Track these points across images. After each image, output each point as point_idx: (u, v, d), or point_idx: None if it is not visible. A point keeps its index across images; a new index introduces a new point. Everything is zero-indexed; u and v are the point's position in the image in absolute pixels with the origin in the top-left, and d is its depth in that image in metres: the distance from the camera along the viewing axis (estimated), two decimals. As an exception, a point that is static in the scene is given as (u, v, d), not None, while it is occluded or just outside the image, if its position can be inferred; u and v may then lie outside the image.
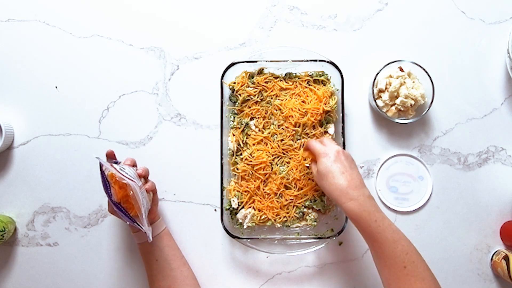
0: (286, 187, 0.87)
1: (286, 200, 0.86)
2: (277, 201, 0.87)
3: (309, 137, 0.87)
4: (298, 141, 0.88)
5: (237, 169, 0.87)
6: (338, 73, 0.87)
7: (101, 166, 0.73)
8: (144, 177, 0.81)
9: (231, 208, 0.87)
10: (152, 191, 0.81)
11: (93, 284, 0.90)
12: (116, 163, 0.79)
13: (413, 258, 0.69)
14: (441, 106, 0.91)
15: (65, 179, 0.91)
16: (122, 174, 0.73)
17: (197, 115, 0.92)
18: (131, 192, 0.72)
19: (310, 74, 0.89)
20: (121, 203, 0.74)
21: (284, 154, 0.88)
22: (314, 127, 0.88)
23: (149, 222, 0.78)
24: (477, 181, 0.91)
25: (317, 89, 0.88)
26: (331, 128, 0.88)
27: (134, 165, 0.82)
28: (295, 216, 0.87)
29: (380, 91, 0.87)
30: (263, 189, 0.87)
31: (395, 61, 0.87)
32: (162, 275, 0.81)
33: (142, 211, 0.74)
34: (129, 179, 0.73)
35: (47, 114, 0.92)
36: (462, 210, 0.90)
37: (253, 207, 0.86)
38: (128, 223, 0.75)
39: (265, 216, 0.86)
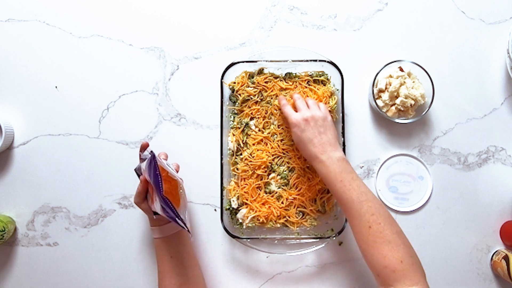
0: (286, 187, 0.87)
1: (286, 200, 0.86)
2: (277, 201, 0.87)
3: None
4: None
5: (237, 169, 0.87)
6: (338, 73, 0.87)
7: (155, 159, 0.72)
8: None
9: (231, 208, 0.87)
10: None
11: (93, 284, 0.90)
12: (144, 156, 0.79)
13: (380, 219, 0.70)
14: (441, 106, 0.91)
15: (65, 179, 0.91)
16: (173, 172, 0.73)
17: (197, 115, 0.92)
18: (181, 190, 0.73)
19: (310, 74, 0.89)
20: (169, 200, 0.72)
21: (284, 154, 0.88)
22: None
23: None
24: (477, 181, 0.91)
25: (317, 89, 0.88)
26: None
27: (165, 159, 0.83)
28: (295, 216, 0.87)
29: (380, 91, 0.87)
30: (263, 189, 0.87)
31: (395, 61, 0.87)
32: (174, 272, 0.80)
33: (185, 207, 0.73)
34: (179, 177, 0.74)
35: (47, 114, 0.92)
36: (462, 210, 0.90)
37: (253, 208, 0.86)
38: (167, 218, 0.73)
39: (265, 216, 0.86)
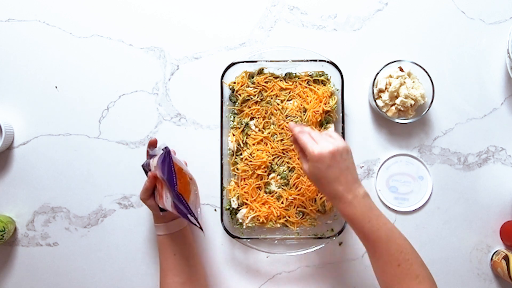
0: (286, 187, 0.87)
1: (286, 200, 0.86)
2: (277, 201, 0.87)
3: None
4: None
5: (237, 169, 0.87)
6: (338, 73, 0.87)
7: (170, 155, 0.71)
8: None
9: (231, 208, 0.87)
10: None
11: (93, 284, 0.90)
12: (154, 152, 0.79)
13: (408, 256, 0.68)
14: (441, 106, 0.91)
15: (65, 179, 0.91)
16: (186, 168, 0.72)
17: (197, 115, 0.92)
18: (194, 187, 0.72)
19: (310, 74, 0.89)
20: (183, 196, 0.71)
21: (284, 154, 0.88)
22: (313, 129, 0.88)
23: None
24: (477, 181, 0.91)
25: (317, 89, 0.88)
26: (331, 128, 0.88)
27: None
28: (295, 216, 0.87)
29: (380, 91, 0.87)
30: (263, 189, 0.87)
31: (395, 61, 0.87)
32: (177, 270, 0.80)
33: (198, 204, 0.73)
34: (191, 174, 0.73)
35: (47, 114, 0.92)
36: (462, 210, 0.90)
37: (253, 208, 0.86)
38: (179, 214, 0.72)
39: (265, 216, 0.86)
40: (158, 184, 0.77)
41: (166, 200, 0.74)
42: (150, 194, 0.79)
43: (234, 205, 0.87)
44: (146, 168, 0.81)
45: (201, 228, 0.73)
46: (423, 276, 0.67)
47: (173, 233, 0.80)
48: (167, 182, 0.71)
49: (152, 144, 0.81)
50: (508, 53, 0.86)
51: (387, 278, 0.68)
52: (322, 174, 0.68)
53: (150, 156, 0.80)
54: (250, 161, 0.87)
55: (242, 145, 0.88)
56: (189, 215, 0.71)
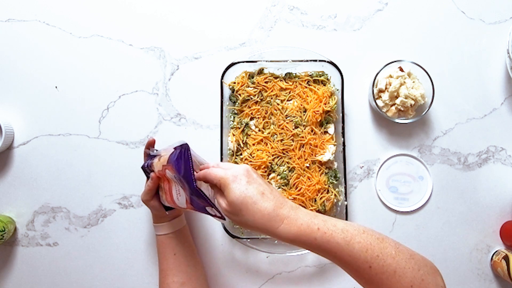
0: (286, 187, 0.87)
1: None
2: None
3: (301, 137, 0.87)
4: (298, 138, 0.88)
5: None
6: (338, 73, 0.87)
7: (189, 151, 0.69)
8: None
9: (231, 208, 0.87)
10: None
11: (93, 284, 0.90)
12: (155, 153, 0.79)
13: (375, 251, 0.57)
14: (441, 106, 0.91)
15: (65, 179, 0.91)
16: (201, 160, 0.72)
17: (197, 115, 0.92)
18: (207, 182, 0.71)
19: (310, 74, 0.89)
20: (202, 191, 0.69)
21: (284, 154, 0.88)
22: (313, 130, 0.88)
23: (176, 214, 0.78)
24: (477, 181, 0.91)
25: (317, 89, 0.88)
26: (331, 128, 0.88)
27: None
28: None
29: (380, 91, 0.87)
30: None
31: (395, 61, 0.87)
32: (177, 270, 0.80)
33: (211, 193, 0.70)
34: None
35: (47, 114, 0.92)
36: (462, 210, 0.90)
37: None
38: (196, 210, 0.71)
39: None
40: (163, 183, 0.77)
41: (179, 198, 0.73)
42: (153, 195, 0.79)
43: (234, 205, 0.87)
44: (147, 169, 0.81)
45: (223, 217, 0.68)
46: (402, 268, 0.57)
47: (173, 232, 0.80)
48: (183, 179, 0.68)
49: (151, 145, 0.81)
50: (508, 53, 0.86)
51: (366, 285, 0.58)
52: (244, 194, 0.59)
53: (150, 156, 0.80)
54: (250, 161, 0.87)
55: (242, 145, 0.88)
56: (208, 208, 0.68)
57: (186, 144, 0.70)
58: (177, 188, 0.73)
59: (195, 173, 0.67)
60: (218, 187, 0.63)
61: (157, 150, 0.80)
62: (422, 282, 0.57)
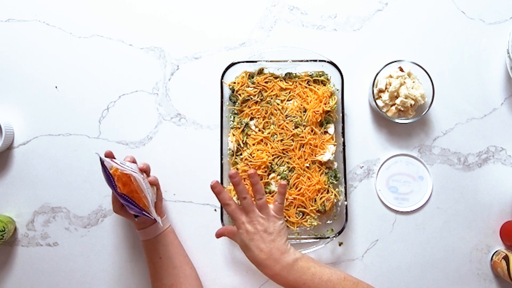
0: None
1: (286, 200, 0.86)
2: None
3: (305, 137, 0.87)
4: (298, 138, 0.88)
5: (237, 169, 0.87)
6: (338, 73, 0.87)
7: (102, 161, 0.73)
8: (146, 171, 0.81)
9: (231, 208, 0.87)
10: (155, 185, 0.82)
11: (93, 284, 0.90)
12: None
13: None
14: (441, 106, 0.91)
15: (65, 179, 0.91)
16: (124, 167, 0.73)
17: (197, 115, 0.92)
18: (135, 182, 0.73)
19: (310, 74, 0.89)
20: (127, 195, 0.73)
21: (284, 154, 0.88)
22: (313, 130, 0.88)
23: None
24: (477, 181, 0.91)
25: (317, 89, 0.88)
26: (331, 128, 0.88)
27: (134, 161, 0.83)
28: (295, 216, 0.87)
29: (380, 91, 0.87)
30: (263, 189, 0.87)
31: (395, 61, 0.87)
32: (165, 273, 0.80)
33: (149, 199, 0.74)
34: (132, 171, 0.73)
35: (47, 114, 0.92)
36: (462, 210, 0.90)
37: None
38: (136, 215, 0.75)
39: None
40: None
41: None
42: (119, 205, 0.80)
43: (234, 205, 0.87)
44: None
45: (155, 219, 0.75)
46: None
47: (155, 237, 0.81)
48: (110, 187, 0.74)
49: (108, 157, 0.80)
50: (508, 53, 0.86)
51: None
52: (244, 243, 0.75)
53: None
54: (250, 161, 0.87)
55: (242, 145, 0.88)
56: (143, 212, 0.73)
57: (98, 154, 0.74)
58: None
59: (115, 180, 0.73)
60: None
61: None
62: None
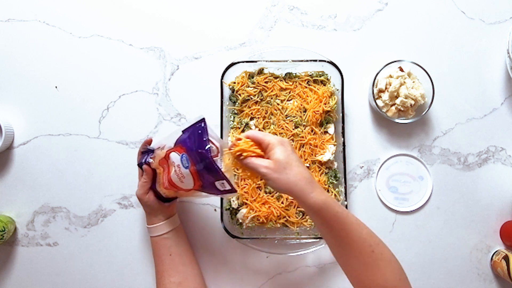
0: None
1: (286, 200, 0.86)
2: (277, 201, 0.87)
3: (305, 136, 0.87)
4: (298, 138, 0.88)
5: (237, 169, 0.87)
6: (338, 73, 0.87)
7: (205, 125, 0.71)
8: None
9: (231, 208, 0.87)
10: None
11: (93, 284, 0.90)
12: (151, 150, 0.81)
13: (377, 239, 0.64)
14: (441, 106, 0.91)
15: (65, 179, 0.91)
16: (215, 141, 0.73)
17: (197, 115, 0.92)
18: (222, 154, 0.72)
19: (310, 74, 0.89)
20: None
21: (284, 154, 0.88)
22: (313, 130, 0.88)
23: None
24: (477, 181, 0.91)
25: (317, 89, 0.88)
26: (331, 128, 0.88)
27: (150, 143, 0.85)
28: (295, 216, 0.87)
29: (380, 91, 0.87)
30: (263, 189, 0.87)
31: (395, 61, 0.87)
32: (174, 271, 0.80)
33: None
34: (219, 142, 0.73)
35: (47, 114, 0.92)
36: (462, 210, 0.90)
37: (253, 208, 0.86)
38: (214, 182, 0.72)
39: (265, 216, 0.86)
40: (161, 173, 0.78)
41: (183, 180, 0.73)
42: (147, 189, 0.79)
43: (234, 205, 0.87)
44: (145, 165, 0.81)
45: (233, 189, 0.72)
46: (395, 261, 0.64)
47: (167, 233, 0.80)
48: (197, 154, 0.69)
49: (148, 143, 0.83)
50: (508, 53, 0.86)
51: (362, 269, 0.63)
52: (290, 156, 0.64)
53: (146, 153, 0.81)
54: (250, 161, 0.87)
55: (242, 145, 0.88)
56: (217, 182, 0.71)
57: (203, 118, 0.72)
58: (180, 172, 0.73)
59: (212, 145, 0.69)
60: (261, 149, 0.67)
61: (155, 144, 0.82)
62: (406, 281, 0.64)
